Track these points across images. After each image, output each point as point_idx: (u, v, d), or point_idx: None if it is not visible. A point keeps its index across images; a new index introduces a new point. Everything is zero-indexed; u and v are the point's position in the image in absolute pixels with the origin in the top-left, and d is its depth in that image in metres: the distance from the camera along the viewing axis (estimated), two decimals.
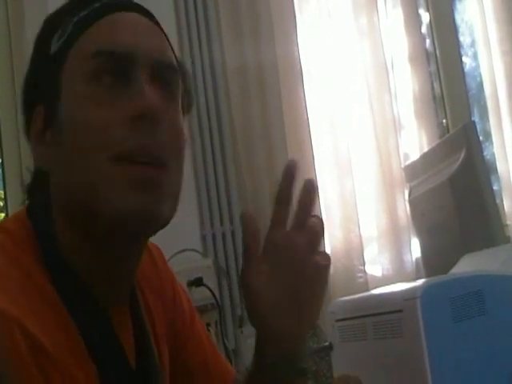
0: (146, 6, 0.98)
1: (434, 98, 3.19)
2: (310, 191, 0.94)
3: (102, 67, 0.89)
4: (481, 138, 3.20)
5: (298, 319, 0.93)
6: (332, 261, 3.00)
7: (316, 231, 0.94)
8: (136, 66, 0.90)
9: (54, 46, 0.92)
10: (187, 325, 1.13)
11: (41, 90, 0.94)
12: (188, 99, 1.00)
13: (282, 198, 0.94)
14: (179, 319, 1.12)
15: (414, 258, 2.85)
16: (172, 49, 0.97)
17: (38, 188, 0.96)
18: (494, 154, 3.10)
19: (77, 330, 0.85)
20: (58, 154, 0.90)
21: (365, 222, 2.91)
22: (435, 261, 2.08)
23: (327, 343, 1.51)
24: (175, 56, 0.97)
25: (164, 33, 0.97)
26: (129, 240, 0.91)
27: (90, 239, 0.90)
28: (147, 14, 0.96)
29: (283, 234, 0.93)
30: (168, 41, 0.97)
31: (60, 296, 0.86)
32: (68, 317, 0.85)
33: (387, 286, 1.67)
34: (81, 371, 0.83)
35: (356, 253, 2.84)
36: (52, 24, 0.95)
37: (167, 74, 0.93)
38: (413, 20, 3.13)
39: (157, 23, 0.96)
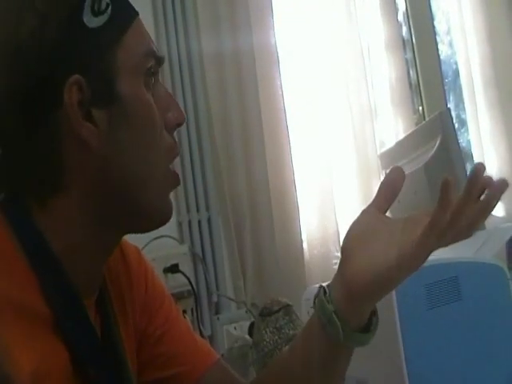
0: None
1: (411, 85, 3.20)
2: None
3: (152, 69, 0.93)
4: (456, 125, 3.22)
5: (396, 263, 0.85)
6: (308, 248, 2.98)
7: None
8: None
9: (92, 20, 0.86)
10: (162, 319, 1.11)
11: (83, 61, 0.86)
12: None
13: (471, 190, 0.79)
14: (152, 314, 1.10)
15: None
16: None
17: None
18: (469, 142, 3.11)
19: (54, 318, 0.85)
20: (117, 138, 0.88)
21: (341, 209, 2.92)
22: None
23: None
24: None
25: None
26: (139, 232, 0.97)
27: (99, 227, 0.91)
28: None
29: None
30: None
31: (38, 276, 0.85)
32: (44, 302, 0.84)
33: None
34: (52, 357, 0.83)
35: (332, 240, 2.85)
36: None
37: None
38: (389, 7, 3.14)
39: None
